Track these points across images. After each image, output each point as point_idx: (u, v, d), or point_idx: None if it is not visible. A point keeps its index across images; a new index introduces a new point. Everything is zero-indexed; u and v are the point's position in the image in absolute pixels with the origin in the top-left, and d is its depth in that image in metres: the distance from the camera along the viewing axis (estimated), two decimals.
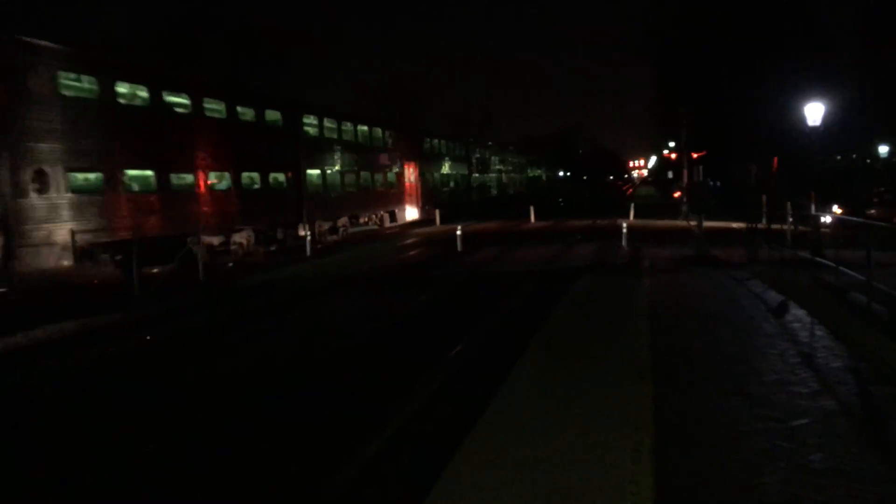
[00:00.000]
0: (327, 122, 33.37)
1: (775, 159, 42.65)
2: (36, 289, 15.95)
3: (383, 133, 41.23)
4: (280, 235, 27.40)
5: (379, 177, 39.34)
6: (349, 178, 35.18)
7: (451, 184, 54.35)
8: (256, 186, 26.54)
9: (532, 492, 5.25)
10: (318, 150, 31.69)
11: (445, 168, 53.15)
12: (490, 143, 70.39)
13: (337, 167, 33.62)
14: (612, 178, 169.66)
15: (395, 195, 41.60)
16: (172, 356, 11.76)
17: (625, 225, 26.09)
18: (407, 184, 43.43)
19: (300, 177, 29.28)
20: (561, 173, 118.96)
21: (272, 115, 28.42)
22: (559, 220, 41.51)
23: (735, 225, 25.72)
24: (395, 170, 41.55)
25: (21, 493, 6.71)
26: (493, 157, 66.28)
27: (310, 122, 31.51)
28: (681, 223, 32.40)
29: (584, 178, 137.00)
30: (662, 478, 5.49)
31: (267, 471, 6.92)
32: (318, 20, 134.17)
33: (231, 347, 12.39)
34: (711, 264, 18.14)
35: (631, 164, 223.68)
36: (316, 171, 31.41)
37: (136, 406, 9.11)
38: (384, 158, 39.65)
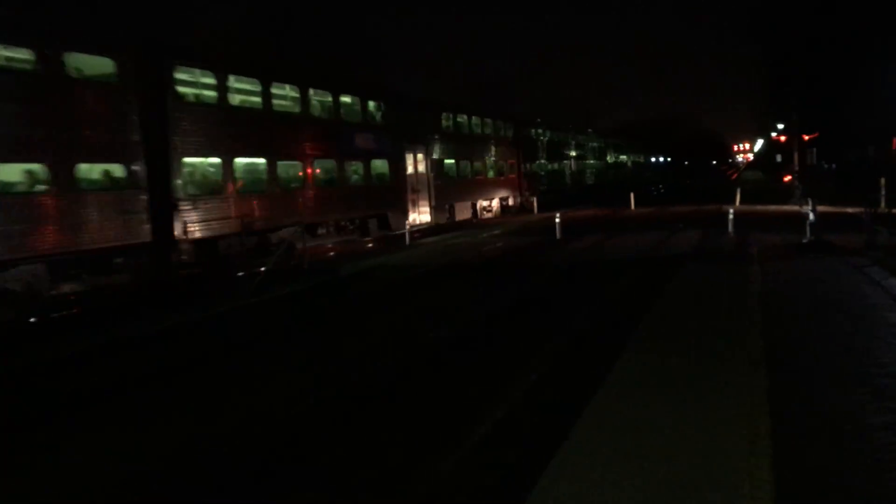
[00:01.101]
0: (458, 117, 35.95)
1: (894, 139, 40.15)
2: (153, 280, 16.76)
3: (494, 123, 41.45)
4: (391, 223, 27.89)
5: (494, 165, 40.03)
6: (464, 166, 36.00)
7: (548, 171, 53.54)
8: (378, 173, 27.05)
9: (643, 484, 5.16)
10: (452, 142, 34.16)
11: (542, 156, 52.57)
12: (590, 130, 68.33)
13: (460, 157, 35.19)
14: (714, 162, 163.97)
15: (505, 182, 41.89)
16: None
17: (731, 210, 25.20)
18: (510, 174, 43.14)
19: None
20: (661, 158, 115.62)
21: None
22: (661, 207, 40.52)
23: (851, 210, 24.42)
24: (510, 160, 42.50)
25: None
26: (569, 140, 61.97)
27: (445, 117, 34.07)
28: (791, 208, 30.98)
29: (686, 163, 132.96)
30: (782, 472, 5.31)
31: (416, 416, 7.60)
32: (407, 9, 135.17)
33: (356, 327, 12.82)
34: (827, 251, 17.29)
35: (735, 147, 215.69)
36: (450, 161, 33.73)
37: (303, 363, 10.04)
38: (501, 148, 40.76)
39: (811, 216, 18.65)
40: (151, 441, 7.17)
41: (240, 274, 17.31)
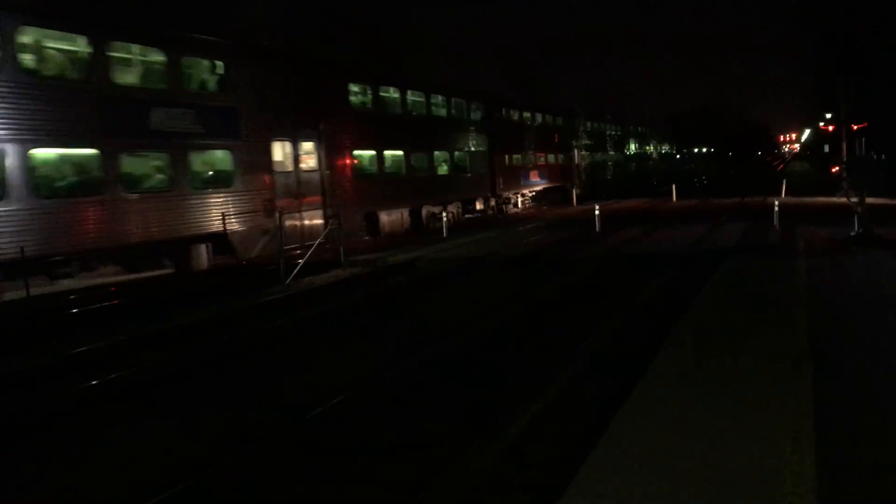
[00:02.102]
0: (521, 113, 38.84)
1: None
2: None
3: (555, 119, 44.54)
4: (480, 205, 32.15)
5: (552, 156, 42.14)
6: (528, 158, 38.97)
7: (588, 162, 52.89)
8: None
9: (683, 479, 5.07)
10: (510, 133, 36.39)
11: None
12: (608, 116, 64.92)
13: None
14: (759, 153, 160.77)
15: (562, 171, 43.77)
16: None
17: (776, 203, 24.67)
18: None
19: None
20: (703, 150, 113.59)
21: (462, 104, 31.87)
22: (704, 199, 39.87)
23: None
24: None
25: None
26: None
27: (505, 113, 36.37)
28: (840, 200, 30.19)
29: (730, 153, 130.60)
30: (824, 470, 5.16)
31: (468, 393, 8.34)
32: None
33: (399, 313, 13.04)
34: (877, 244, 16.82)
35: (781, 138, 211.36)
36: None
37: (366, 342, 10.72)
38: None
39: (859, 209, 18.16)
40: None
41: None
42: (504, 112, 36.45)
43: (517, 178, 37.25)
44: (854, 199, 18.53)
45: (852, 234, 18.03)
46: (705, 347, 8.46)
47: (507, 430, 6.99)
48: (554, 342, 10.38)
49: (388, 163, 25.26)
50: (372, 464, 6.50)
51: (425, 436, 7.02)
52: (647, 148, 73.36)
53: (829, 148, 63.10)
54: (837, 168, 44.06)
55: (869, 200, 18.38)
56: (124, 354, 10.36)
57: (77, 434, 7.66)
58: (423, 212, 27.06)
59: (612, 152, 57.90)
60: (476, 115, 32.85)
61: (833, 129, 56.05)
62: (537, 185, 40.09)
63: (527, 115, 40.11)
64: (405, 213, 26.00)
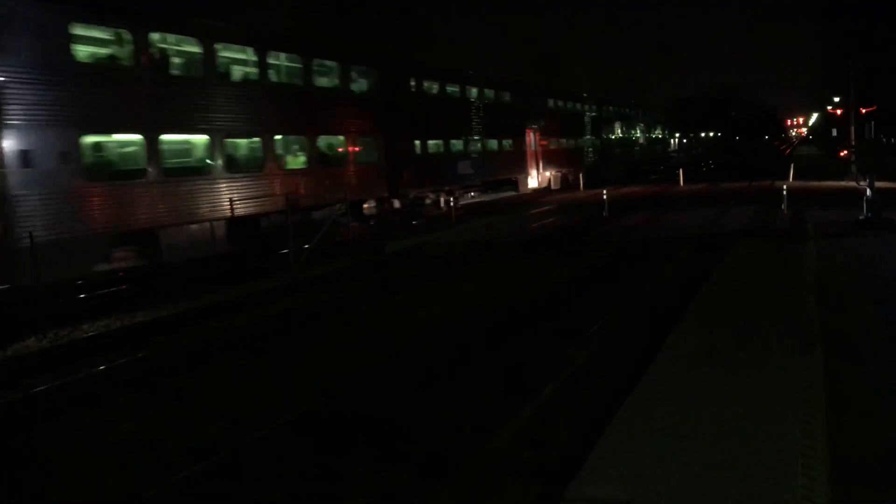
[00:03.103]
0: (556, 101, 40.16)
1: None
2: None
3: (501, 95, 39.51)
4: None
5: (494, 142, 35.10)
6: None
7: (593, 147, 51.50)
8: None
9: (694, 463, 5.08)
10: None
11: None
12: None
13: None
14: (767, 137, 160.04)
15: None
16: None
17: (784, 187, 24.60)
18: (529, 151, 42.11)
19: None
20: (706, 134, 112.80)
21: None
22: (712, 184, 39.74)
23: None
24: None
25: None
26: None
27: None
28: (848, 184, 30.08)
29: (737, 138, 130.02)
30: (837, 453, 5.19)
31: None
32: None
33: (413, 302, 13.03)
34: (886, 228, 16.78)
35: (789, 122, 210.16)
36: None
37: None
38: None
39: (868, 192, 18.09)
40: None
41: None
42: (415, 84, 28.16)
43: (438, 170, 28.89)
44: (863, 183, 18.45)
45: (861, 217, 17.96)
46: (717, 330, 8.48)
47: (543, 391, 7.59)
48: (571, 320, 10.44)
49: (561, 144, 39.37)
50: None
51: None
52: (634, 133, 63.89)
53: (838, 132, 62.75)
54: (846, 152, 43.91)
55: (878, 184, 18.31)
56: None
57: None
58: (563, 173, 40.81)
59: (588, 136, 50.61)
60: (362, 86, 24.58)
61: (841, 113, 55.76)
62: (471, 178, 32.58)
63: (453, 88, 31.49)
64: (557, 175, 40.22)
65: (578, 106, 48.27)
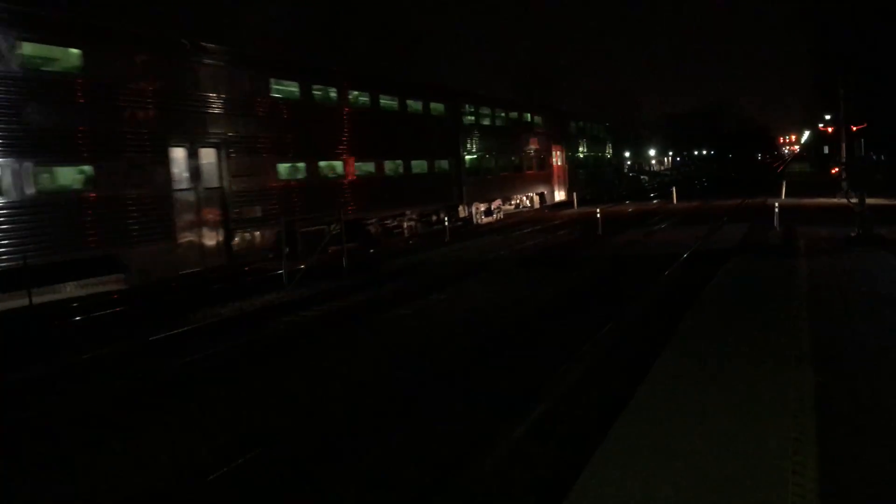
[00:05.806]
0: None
1: None
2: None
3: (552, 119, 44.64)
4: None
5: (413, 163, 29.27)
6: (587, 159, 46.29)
7: (586, 166, 51.45)
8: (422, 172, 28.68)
9: (684, 482, 5.10)
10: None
11: (583, 150, 50.95)
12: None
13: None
14: (759, 155, 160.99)
15: (545, 177, 42.43)
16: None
17: (776, 204, 24.75)
18: (555, 166, 43.09)
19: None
20: (705, 151, 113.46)
21: (436, 107, 30.23)
22: (705, 201, 39.94)
23: None
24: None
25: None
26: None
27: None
28: (839, 201, 30.27)
29: (730, 155, 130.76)
30: (827, 471, 5.21)
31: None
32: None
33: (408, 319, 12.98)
34: (877, 244, 16.89)
35: (781, 139, 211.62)
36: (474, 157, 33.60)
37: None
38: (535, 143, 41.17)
39: (859, 209, 18.23)
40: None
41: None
42: (286, 86, 21.15)
43: (322, 201, 21.55)
44: (854, 200, 18.59)
45: (853, 234, 18.10)
46: (710, 345, 8.53)
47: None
48: (564, 338, 10.45)
49: (586, 161, 47.32)
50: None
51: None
52: (604, 152, 57.08)
53: (829, 149, 63.18)
54: (837, 169, 44.13)
55: (869, 201, 18.46)
56: None
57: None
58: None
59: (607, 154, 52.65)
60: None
61: (832, 131, 56.11)
62: (391, 211, 25.87)
63: (357, 94, 24.38)
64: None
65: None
